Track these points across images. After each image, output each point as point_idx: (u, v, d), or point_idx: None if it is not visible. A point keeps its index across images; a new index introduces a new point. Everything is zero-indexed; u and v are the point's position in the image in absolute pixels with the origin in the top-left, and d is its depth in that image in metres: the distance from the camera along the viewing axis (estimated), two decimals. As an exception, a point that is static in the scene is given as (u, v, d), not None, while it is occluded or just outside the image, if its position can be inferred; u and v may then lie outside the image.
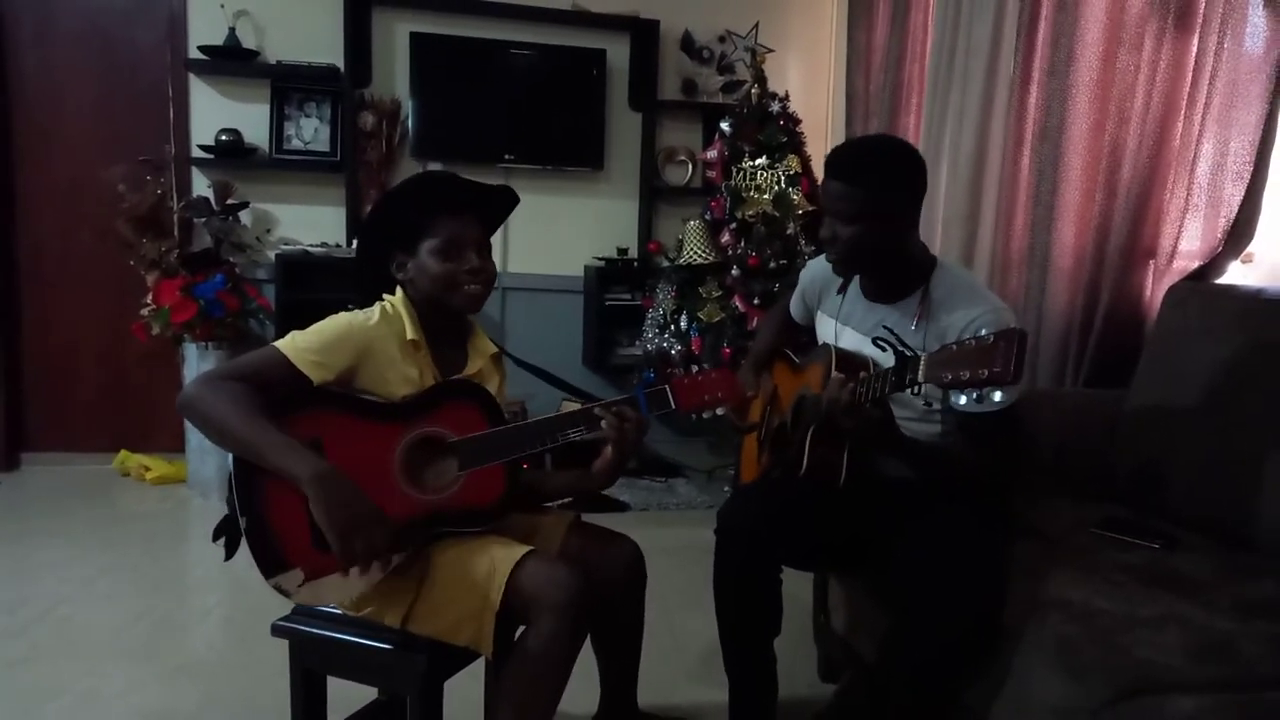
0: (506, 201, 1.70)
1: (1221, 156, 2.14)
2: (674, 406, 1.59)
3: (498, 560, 1.45)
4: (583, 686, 1.71)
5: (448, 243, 1.57)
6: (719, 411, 1.73)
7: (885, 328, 1.50)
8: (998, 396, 1.28)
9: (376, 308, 1.58)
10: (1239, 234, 2.13)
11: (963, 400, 1.30)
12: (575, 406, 1.59)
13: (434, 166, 4.05)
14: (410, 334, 1.56)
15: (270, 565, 1.43)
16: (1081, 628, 1.43)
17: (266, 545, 1.43)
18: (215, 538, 1.50)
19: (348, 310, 1.59)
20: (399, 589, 1.49)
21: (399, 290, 1.61)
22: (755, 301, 3.51)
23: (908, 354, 1.41)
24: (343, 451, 1.44)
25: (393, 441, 1.49)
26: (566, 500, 1.78)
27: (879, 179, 1.65)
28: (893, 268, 1.73)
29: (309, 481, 1.36)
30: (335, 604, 1.55)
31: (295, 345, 1.48)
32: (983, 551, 1.61)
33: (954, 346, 1.33)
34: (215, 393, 1.43)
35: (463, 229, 1.59)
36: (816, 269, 1.97)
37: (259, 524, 1.43)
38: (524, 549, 1.47)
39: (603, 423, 1.54)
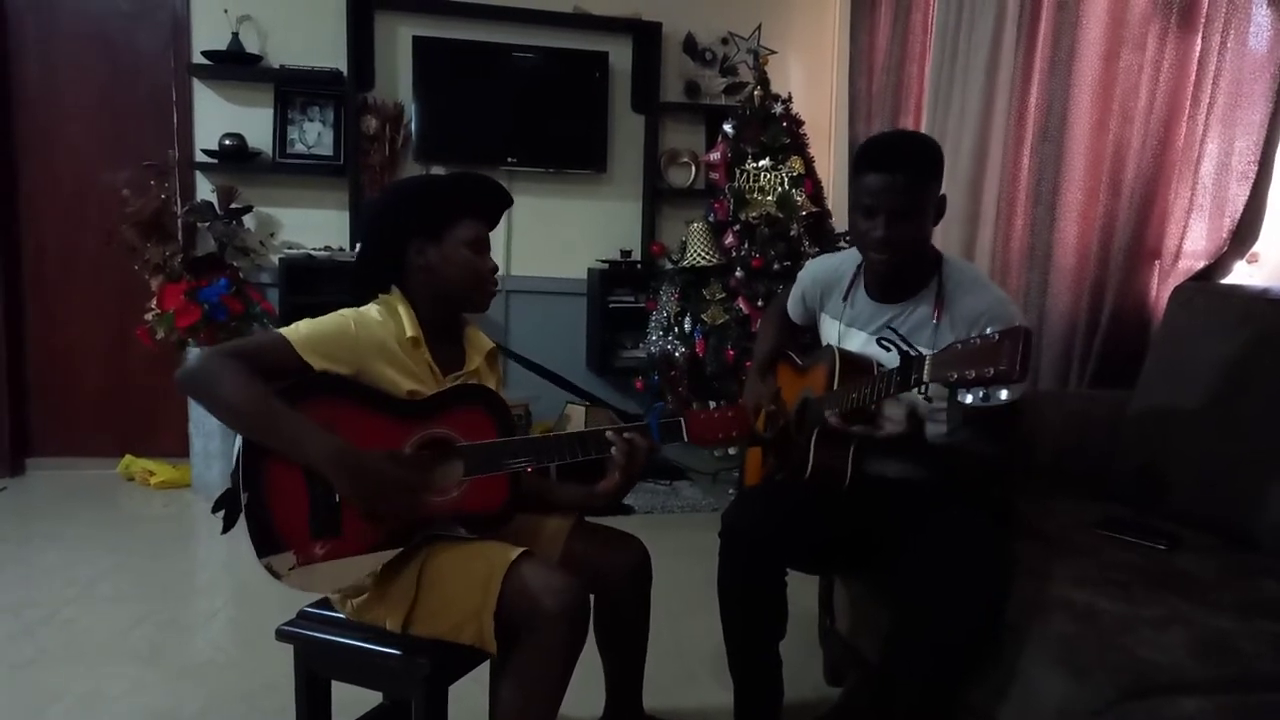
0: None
1: (1226, 156, 2.14)
2: (685, 439, 1.61)
3: (494, 561, 1.45)
4: (587, 689, 1.71)
5: (478, 240, 1.61)
6: (731, 451, 1.74)
7: (890, 328, 1.49)
8: (1004, 395, 1.27)
9: (372, 307, 1.58)
10: (1244, 234, 2.13)
11: (969, 399, 1.30)
12: (580, 410, 1.59)
13: (437, 170, 4.05)
14: (410, 331, 1.56)
15: (265, 545, 1.43)
16: (1084, 628, 1.42)
17: (264, 524, 1.43)
18: (215, 509, 1.50)
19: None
20: (398, 593, 1.49)
21: (395, 289, 1.61)
22: (759, 303, 3.51)
23: (912, 354, 1.40)
24: (352, 442, 1.44)
25: (402, 439, 1.49)
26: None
27: (930, 169, 1.65)
28: (915, 263, 1.72)
29: (328, 463, 1.39)
30: (324, 593, 1.55)
31: (300, 334, 1.48)
32: (986, 552, 1.60)
33: (958, 346, 1.33)
34: (223, 368, 1.42)
35: (486, 231, 1.64)
36: (817, 270, 1.95)
37: (259, 502, 1.43)
38: (520, 550, 1.47)
39: (613, 448, 1.56)
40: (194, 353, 3.49)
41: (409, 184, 1.69)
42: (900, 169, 1.62)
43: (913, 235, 1.64)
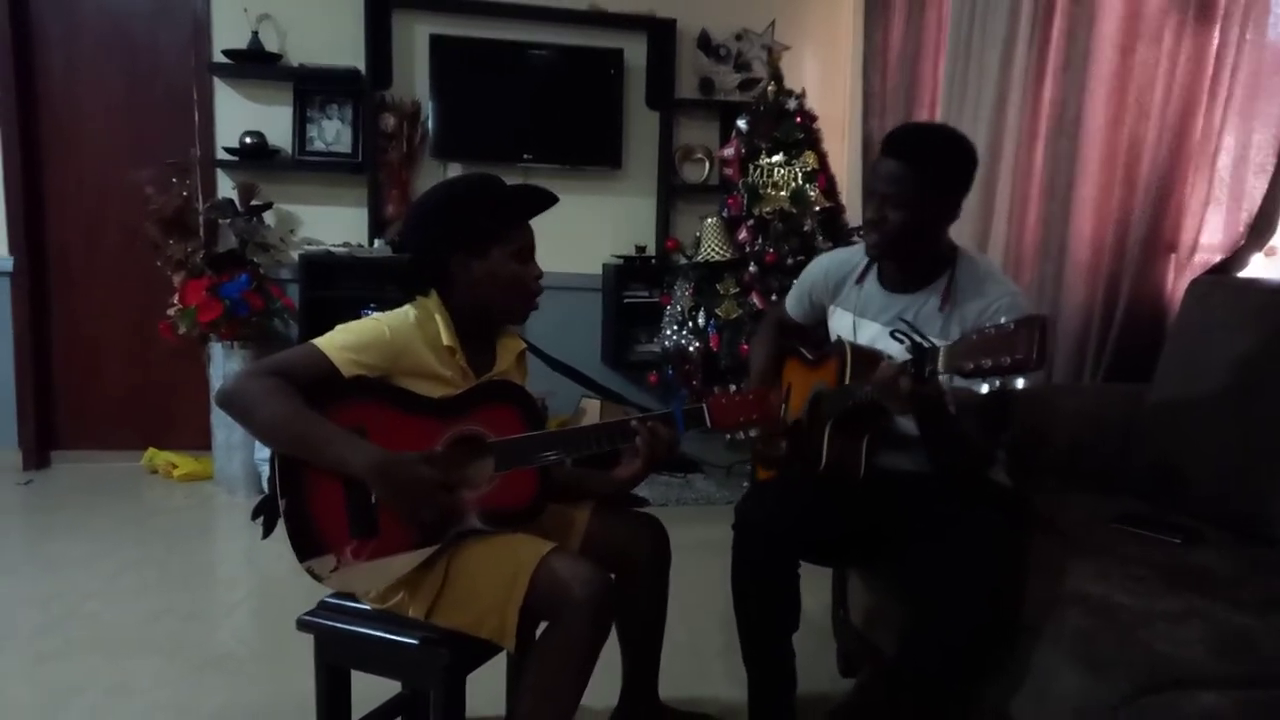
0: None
1: (1243, 149, 2.13)
2: (709, 425, 1.59)
3: (522, 556, 1.46)
4: (604, 679, 1.72)
5: (523, 251, 1.60)
6: (753, 433, 1.72)
7: (903, 320, 1.49)
8: (1020, 383, 1.27)
9: (409, 312, 1.58)
10: (1261, 227, 2.12)
11: (985, 388, 1.30)
12: (596, 403, 1.60)
13: (454, 167, 4.07)
14: (446, 340, 1.56)
15: (305, 548, 1.46)
16: (1102, 623, 1.42)
17: (303, 528, 1.45)
18: (254, 516, 1.54)
19: (369, 310, 1.60)
20: (425, 581, 1.51)
21: (434, 293, 1.61)
22: (773, 298, 3.51)
23: (925, 345, 1.40)
24: (384, 443, 1.46)
25: (433, 438, 1.51)
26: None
27: (937, 166, 1.66)
28: (924, 256, 1.73)
29: (368, 473, 1.41)
30: (363, 591, 1.57)
31: (333, 343, 1.49)
32: (1000, 546, 1.60)
33: (974, 336, 1.33)
34: (260, 387, 1.44)
35: (531, 237, 1.63)
36: (828, 263, 1.95)
37: (298, 507, 1.45)
38: (549, 545, 1.49)
39: (637, 436, 1.57)
40: (227, 371, 3.53)
41: (455, 193, 1.63)
42: (899, 157, 1.65)
43: (898, 224, 1.65)
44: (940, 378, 1.40)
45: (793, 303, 2.02)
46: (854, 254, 1.91)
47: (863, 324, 1.80)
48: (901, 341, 1.46)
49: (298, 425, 1.43)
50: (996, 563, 1.57)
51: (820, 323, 1.96)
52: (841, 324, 1.87)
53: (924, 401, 1.49)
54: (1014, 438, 1.76)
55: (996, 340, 1.28)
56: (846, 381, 1.67)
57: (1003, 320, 1.31)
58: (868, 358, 1.68)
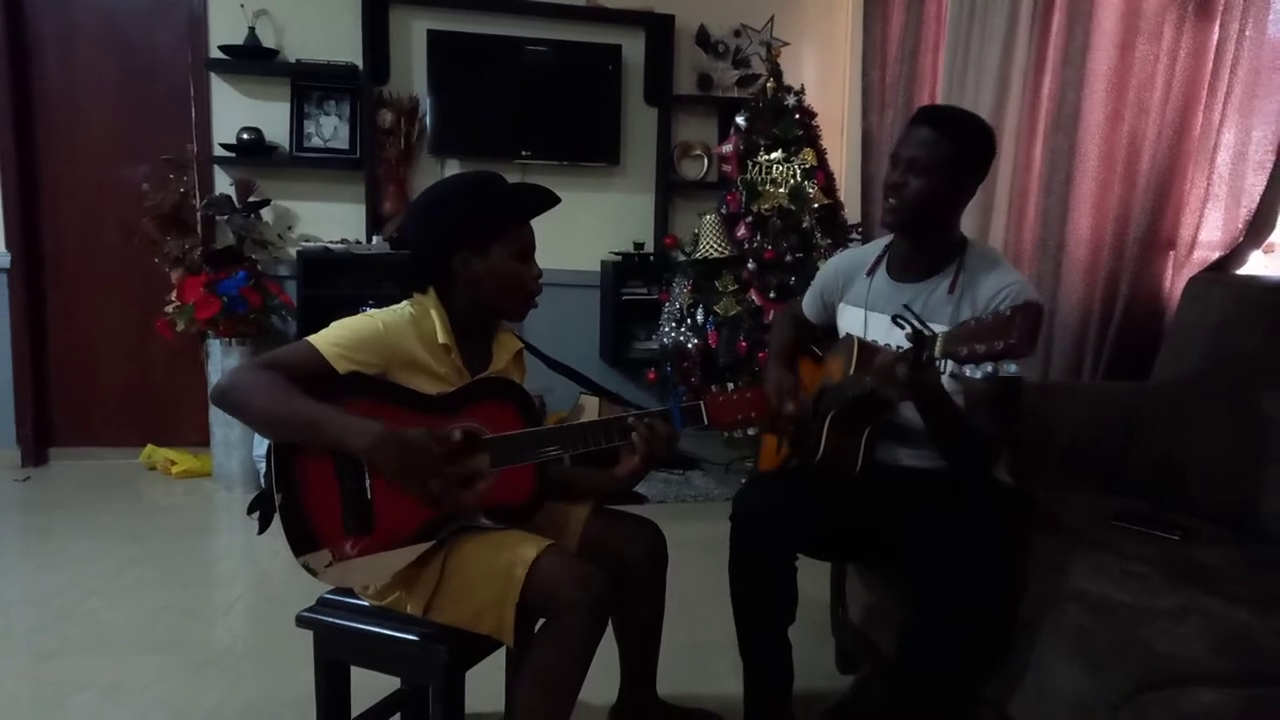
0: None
1: (1243, 145, 2.13)
2: (706, 423, 1.60)
3: (519, 553, 1.46)
4: (603, 676, 1.72)
5: (523, 249, 1.60)
6: (750, 432, 1.72)
7: (905, 306, 1.50)
8: (1012, 368, 1.27)
9: (405, 309, 1.58)
10: (1260, 224, 2.12)
11: (978, 374, 1.30)
12: (594, 401, 1.60)
13: (452, 163, 4.07)
14: (441, 338, 1.56)
15: (300, 544, 1.45)
16: (1100, 620, 1.42)
17: (298, 523, 1.45)
18: (250, 511, 1.54)
19: (368, 307, 1.60)
20: (422, 577, 1.51)
21: (431, 291, 1.61)
22: (771, 295, 3.51)
23: (925, 333, 1.41)
24: None
25: None
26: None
27: (966, 141, 1.69)
28: (935, 240, 1.74)
29: (370, 449, 1.40)
30: (360, 586, 1.57)
31: (327, 340, 1.49)
32: (1001, 544, 1.60)
33: (972, 322, 1.34)
34: (253, 380, 1.45)
35: (531, 236, 1.63)
36: (839, 262, 1.96)
37: (293, 502, 1.45)
38: (546, 542, 1.49)
39: (634, 434, 1.56)
40: (226, 368, 3.53)
41: (457, 189, 1.63)
42: (933, 125, 1.67)
43: (919, 191, 1.66)
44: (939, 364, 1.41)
45: (808, 302, 2.03)
46: (866, 251, 1.91)
47: (873, 316, 1.80)
48: (903, 327, 1.46)
49: (294, 410, 1.42)
50: (1004, 567, 1.57)
51: (832, 322, 1.96)
52: (852, 319, 1.86)
53: (921, 388, 1.49)
54: (1020, 431, 1.75)
55: (991, 326, 1.29)
56: (851, 375, 1.67)
57: (1002, 307, 1.31)
58: (873, 352, 1.68)
